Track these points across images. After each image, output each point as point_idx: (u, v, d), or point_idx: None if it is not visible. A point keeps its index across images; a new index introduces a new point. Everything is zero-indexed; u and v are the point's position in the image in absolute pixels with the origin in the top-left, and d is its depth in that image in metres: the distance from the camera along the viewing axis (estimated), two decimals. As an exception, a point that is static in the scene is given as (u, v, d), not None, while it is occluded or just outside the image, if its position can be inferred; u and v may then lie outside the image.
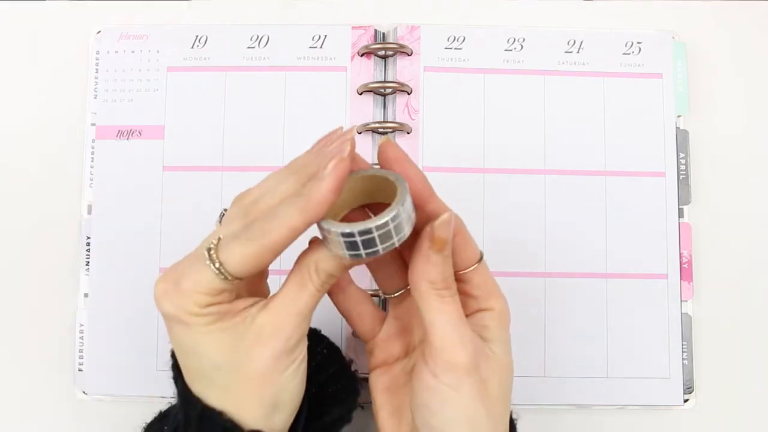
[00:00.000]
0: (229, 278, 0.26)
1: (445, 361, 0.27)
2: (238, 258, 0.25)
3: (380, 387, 0.31)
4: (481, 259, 0.30)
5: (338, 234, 0.25)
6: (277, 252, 0.25)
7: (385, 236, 0.25)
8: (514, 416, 0.32)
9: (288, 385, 0.28)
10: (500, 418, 0.29)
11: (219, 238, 0.26)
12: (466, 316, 0.29)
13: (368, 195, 0.29)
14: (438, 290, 0.27)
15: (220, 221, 0.29)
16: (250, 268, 0.26)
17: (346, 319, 0.33)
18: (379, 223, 0.25)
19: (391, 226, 0.25)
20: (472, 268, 0.29)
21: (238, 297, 0.28)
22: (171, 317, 0.26)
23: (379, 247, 0.25)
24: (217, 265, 0.25)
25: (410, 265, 0.28)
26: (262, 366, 0.27)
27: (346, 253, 0.26)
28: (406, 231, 0.26)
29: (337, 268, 0.27)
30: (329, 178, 0.25)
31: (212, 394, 0.27)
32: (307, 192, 0.25)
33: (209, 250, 0.26)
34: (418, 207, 0.27)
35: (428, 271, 0.27)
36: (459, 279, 0.29)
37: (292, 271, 0.28)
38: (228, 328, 0.26)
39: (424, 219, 0.28)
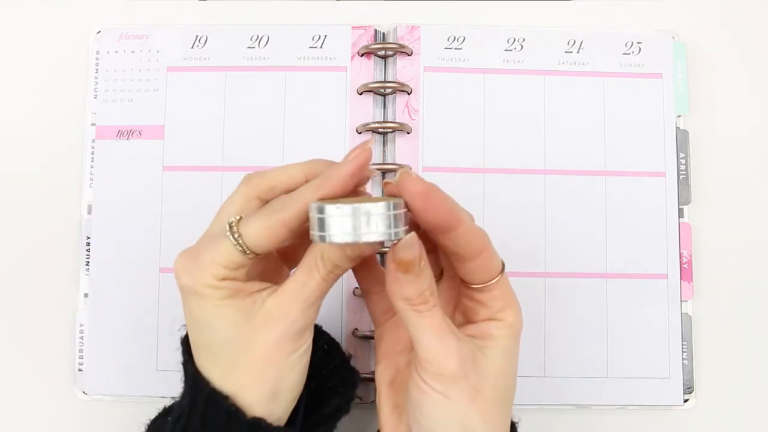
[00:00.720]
0: (247, 252, 0.27)
1: (431, 371, 0.27)
2: (255, 230, 0.27)
3: (384, 381, 0.32)
4: (503, 269, 0.29)
5: (310, 208, 0.25)
6: (291, 227, 0.27)
7: (342, 226, 0.24)
8: (515, 420, 0.32)
9: (290, 371, 0.29)
10: (498, 423, 0.29)
11: (240, 216, 0.28)
12: (474, 322, 0.29)
13: None
14: (415, 306, 0.27)
15: None
16: (267, 241, 0.27)
17: (364, 295, 0.33)
18: (333, 206, 0.24)
19: (348, 217, 0.24)
20: (494, 280, 0.29)
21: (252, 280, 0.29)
22: (188, 289, 0.28)
23: (317, 234, 0.25)
24: (236, 236, 0.27)
25: (386, 282, 0.28)
26: (267, 347, 0.28)
27: (312, 231, 0.25)
28: (369, 234, 0.24)
29: (340, 258, 0.27)
30: (351, 162, 0.27)
31: (217, 372, 0.28)
32: (325, 172, 0.27)
33: (231, 224, 0.27)
34: (445, 232, 0.27)
35: (401, 290, 0.27)
36: (480, 290, 0.29)
37: (302, 259, 0.28)
38: (240, 306, 0.28)
39: (453, 243, 0.27)
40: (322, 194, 0.26)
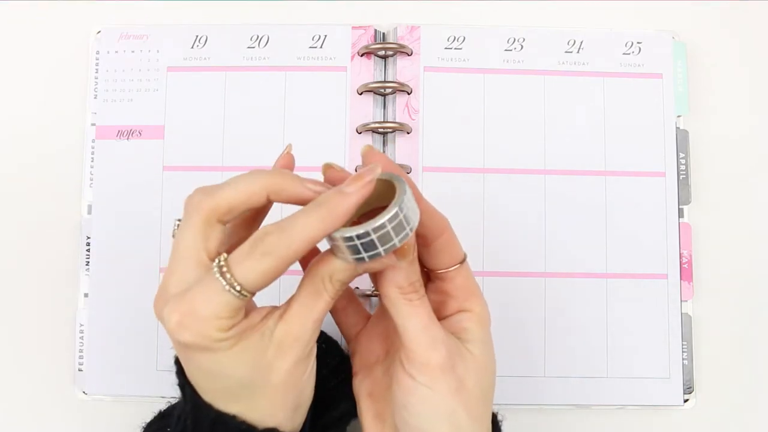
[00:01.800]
0: (247, 296, 0.25)
1: (419, 362, 0.28)
2: (258, 275, 0.25)
3: (363, 392, 0.32)
4: (464, 260, 0.30)
5: (342, 239, 0.25)
6: (293, 262, 0.26)
7: (385, 237, 0.25)
8: (499, 417, 0.32)
9: (306, 386, 0.29)
10: (481, 417, 0.29)
11: (225, 257, 0.25)
12: (446, 316, 0.30)
13: (367, 203, 0.28)
14: (406, 294, 0.28)
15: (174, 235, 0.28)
16: (269, 282, 0.26)
17: (331, 313, 0.34)
18: (376, 225, 0.25)
19: (389, 227, 0.25)
20: (454, 268, 0.29)
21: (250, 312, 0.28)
22: (193, 346, 0.26)
23: (381, 249, 0.25)
24: (238, 288, 0.25)
25: (380, 273, 0.28)
26: (285, 375, 0.27)
27: (349, 257, 0.26)
28: (408, 231, 0.26)
29: (350, 276, 0.27)
30: (359, 192, 0.25)
31: (237, 409, 0.28)
32: (326, 202, 0.25)
33: (223, 271, 0.25)
34: None
35: (394, 277, 0.28)
36: (441, 278, 0.30)
37: (303, 281, 0.28)
38: (250, 344, 0.27)
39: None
40: (331, 228, 0.25)
